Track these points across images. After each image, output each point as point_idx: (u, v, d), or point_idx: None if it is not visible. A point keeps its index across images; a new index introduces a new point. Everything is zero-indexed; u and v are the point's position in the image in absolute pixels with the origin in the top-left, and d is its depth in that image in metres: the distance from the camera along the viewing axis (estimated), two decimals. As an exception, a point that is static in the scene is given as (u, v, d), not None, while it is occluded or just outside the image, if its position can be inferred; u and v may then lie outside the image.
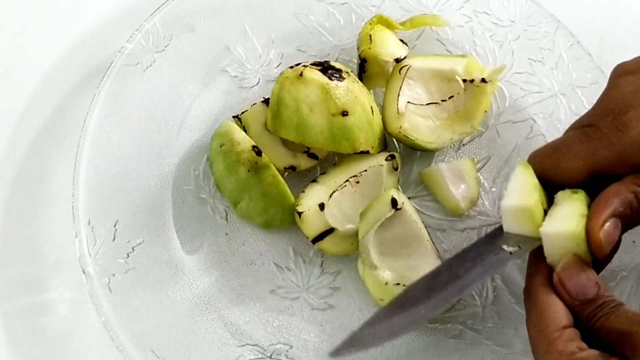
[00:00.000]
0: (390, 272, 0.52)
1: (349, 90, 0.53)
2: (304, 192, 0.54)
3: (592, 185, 0.46)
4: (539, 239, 0.45)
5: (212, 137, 0.55)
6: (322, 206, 0.53)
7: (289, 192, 0.54)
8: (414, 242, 0.53)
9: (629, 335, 0.39)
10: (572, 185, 0.46)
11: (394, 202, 0.52)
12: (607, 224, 0.43)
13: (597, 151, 0.44)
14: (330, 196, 0.54)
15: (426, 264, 0.52)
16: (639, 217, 0.44)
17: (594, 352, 0.40)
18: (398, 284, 0.51)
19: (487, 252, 0.47)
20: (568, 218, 0.44)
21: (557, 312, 0.42)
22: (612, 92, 0.47)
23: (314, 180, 0.55)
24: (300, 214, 0.53)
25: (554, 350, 0.41)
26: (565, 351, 0.40)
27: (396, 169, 0.55)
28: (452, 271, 0.47)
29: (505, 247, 0.46)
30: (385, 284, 0.51)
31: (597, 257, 0.43)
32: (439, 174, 0.56)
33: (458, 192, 0.56)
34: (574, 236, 0.43)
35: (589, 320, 0.42)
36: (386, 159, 0.55)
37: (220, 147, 0.54)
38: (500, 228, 0.48)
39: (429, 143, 0.56)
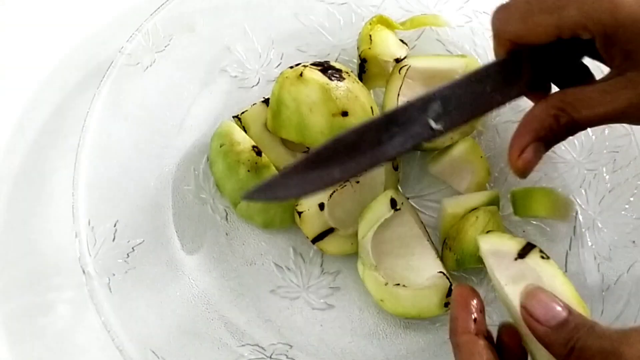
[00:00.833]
0: (390, 272, 0.52)
1: (349, 91, 0.53)
2: None
3: (551, 55, 0.46)
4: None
5: (212, 137, 0.55)
6: (322, 206, 0.53)
7: None
8: (414, 242, 0.53)
9: (615, 355, 0.38)
10: (536, 43, 0.45)
11: (393, 203, 0.52)
12: (526, 152, 0.44)
13: (565, 7, 0.43)
14: (330, 196, 0.54)
15: (426, 264, 0.52)
16: (562, 136, 0.45)
17: None
18: (398, 284, 0.51)
19: (414, 121, 0.45)
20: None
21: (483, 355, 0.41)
22: None
23: None
24: (300, 213, 0.53)
25: None
26: None
27: (396, 169, 0.55)
28: (378, 134, 0.44)
29: (432, 122, 0.45)
30: (385, 284, 0.51)
31: (520, 178, 0.46)
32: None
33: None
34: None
35: (567, 343, 0.40)
36: None
37: (220, 147, 0.54)
38: (435, 93, 0.46)
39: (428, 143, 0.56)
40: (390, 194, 0.52)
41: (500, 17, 0.46)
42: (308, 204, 0.53)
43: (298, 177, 0.43)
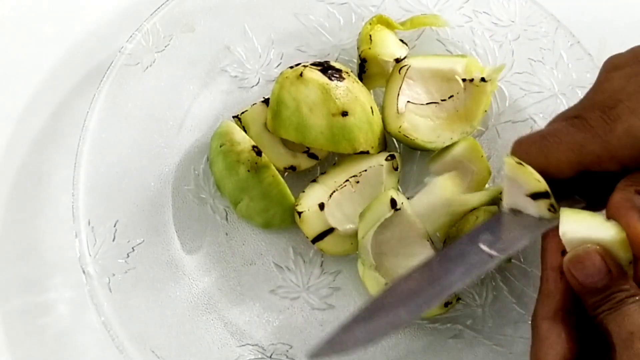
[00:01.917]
0: (390, 272, 0.52)
1: (349, 91, 0.53)
2: (303, 192, 0.54)
3: (579, 183, 0.45)
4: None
5: (212, 137, 0.55)
6: (322, 206, 0.53)
7: (288, 192, 0.54)
8: (414, 242, 0.53)
9: (615, 347, 0.39)
10: (559, 178, 0.44)
11: (393, 203, 0.52)
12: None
13: (586, 144, 0.43)
14: (330, 196, 0.54)
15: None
16: None
17: None
18: None
19: (468, 252, 0.45)
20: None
21: (552, 348, 0.41)
22: (602, 86, 0.46)
23: (314, 180, 0.55)
24: (300, 213, 0.53)
25: None
26: None
27: (396, 169, 0.55)
28: (433, 271, 0.45)
29: (483, 247, 0.45)
30: (385, 284, 0.51)
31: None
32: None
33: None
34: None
35: (593, 310, 0.41)
36: (386, 159, 0.55)
37: (220, 147, 0.54)
38: (481, 227, 0.47)
39: (429, 143, 0.56)
40: (390, 193, 0.52)
41: (522, 150, 0.46)
42: (308, 204, 0.53)
43: (364, 326, 0.43)
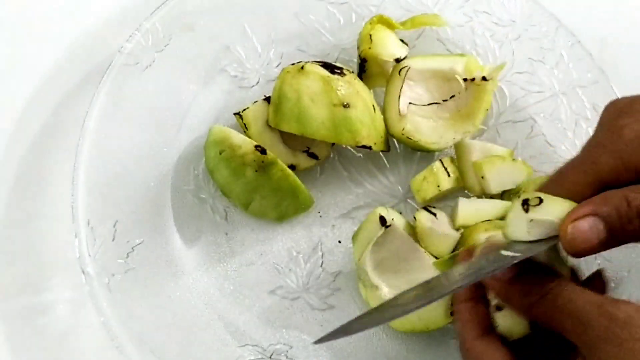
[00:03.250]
0: (392, 290, 0.51)
1: (350, 85, 0.53)
2: None
3: None
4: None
5: (206, 145, 0.55)
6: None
7: (298, 181, 0.54)
8: (411, 256, 0.52)
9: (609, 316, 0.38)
10: (581, 201, 0.41)
11: (382, 220, 0.51)
12: (582, 220, 0.39)
13: (597, 159, 0.42)
14: None
15: (427, 275, 0.51)
16: (631, 225, 0.39)
17: None
18: None
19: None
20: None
21: (497, 358, 0.42)
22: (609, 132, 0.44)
23: None
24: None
25: None
26: None
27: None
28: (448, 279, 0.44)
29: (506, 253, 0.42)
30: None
31: (570, 254, 0.40)
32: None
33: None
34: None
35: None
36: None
37: (220, 154, 0.53)
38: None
39: (432, 144, 0.56)
40: (378, 211, 0.52)
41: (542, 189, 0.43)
42: None
43: (369, 318, 0.44)
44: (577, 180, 0.42)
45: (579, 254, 0.40)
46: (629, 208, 0.39)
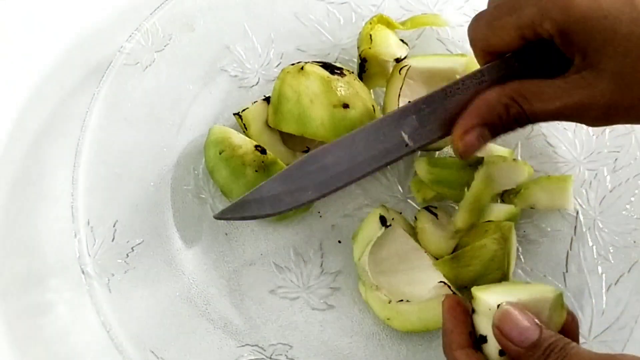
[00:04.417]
0: (393, 290, 0.51)
1: (350, 85, 0.53)
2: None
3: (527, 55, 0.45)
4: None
5: (206, 145, 0.55)
6: None
7: None
8: (411, 256, 0.52)
9: None
10: (507, 50, 0.45)
11: (383, 220, 0.51)
12: (469, 135, 0.45)
13: (522, 7, 0.43)
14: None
15: (427, 275, 0.51)
16: (510, 126, 0.45)
17: None
18: (401, 300, 0.51)
19: (389, 135, 0.47)
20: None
21: None
22: None
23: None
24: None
25: None
26: None
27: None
28: (352, 148, 0.47)
29: (404, 135, 0.47)
30: (389, 302, 0.51)
31: (460, 159, 0.46)
32: None
33: None
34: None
35: None
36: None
37: (220, 154, 0.53)
38: (412, 106, 0.47)
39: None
40: (378, 211, 0.52)
41: (472, 26, 0.46)
42: None
43: (271, 196, 0.46)
44: (503, 24, 0.44)
45: (466, 157, 0.46)
46: (509, 116, 0.44)
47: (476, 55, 0.47)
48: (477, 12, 0.46)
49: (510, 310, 0.41)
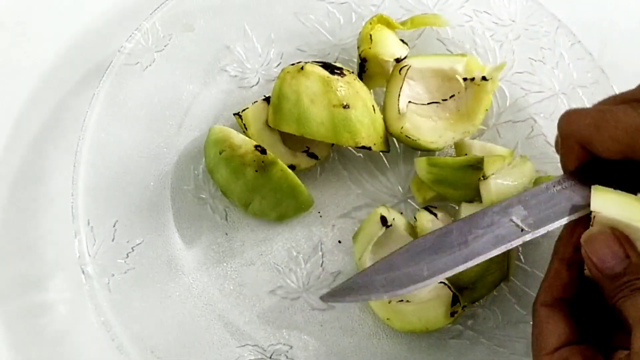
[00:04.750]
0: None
1: (350, 85, 0.53)
2: None
3: (622, 174, 0.43)
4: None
5: (206, 145, 0.55)
6: None
7: (298, 181, 0.54)
8: None
9: (631, 328, 0.38)
10: (603, 157, 0.42)
11: (383, 220, 0.51)
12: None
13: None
14: None
15: None
16: None
17: None
18: (401, 300, 0.51)
19: (498, 223, 0.44)
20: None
21: (552, 333, 0.41)
22: None
23: None
24: None
25: None
26: None
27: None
28: (462, 235, 0.44)
29: (515, 220, 0.44)
30: (389, 302, 0.51)
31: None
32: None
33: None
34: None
35: (611, 298, 0.40)
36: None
37: (220, 153, 0.53)
38: (514, 199, 0.45)
39: (431, 143, 0.55)
40: (379, 211, 0.52)
41: (570, 120, 0.44)
42: None
43: (384, 275, 0.44)
44: (614, 136, 0.41)
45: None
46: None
47: (565, 148, 0.45)
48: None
49: (602, 235, 0.40)
